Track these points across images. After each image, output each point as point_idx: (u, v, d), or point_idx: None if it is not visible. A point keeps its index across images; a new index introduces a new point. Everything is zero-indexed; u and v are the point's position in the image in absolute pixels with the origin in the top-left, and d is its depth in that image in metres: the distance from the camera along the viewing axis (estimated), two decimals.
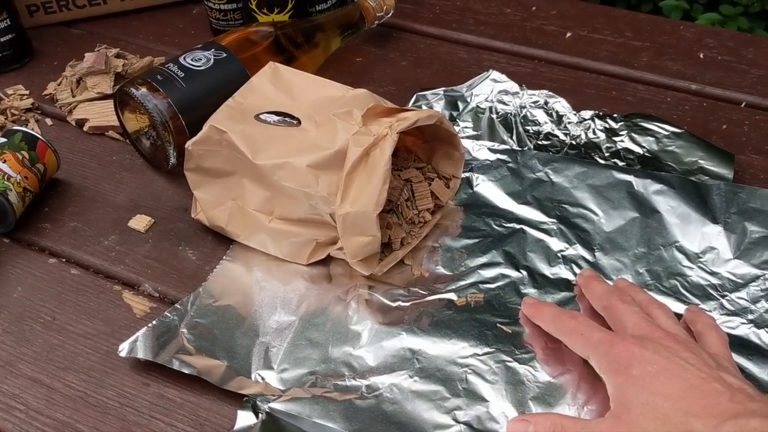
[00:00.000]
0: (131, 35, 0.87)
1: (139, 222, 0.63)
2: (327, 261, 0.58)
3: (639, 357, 0.44)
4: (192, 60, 0.65)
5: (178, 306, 0.55)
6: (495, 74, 0.74)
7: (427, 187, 0.60)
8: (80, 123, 0.73)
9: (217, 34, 0.84)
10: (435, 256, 0.59)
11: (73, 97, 0.75)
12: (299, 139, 0.57)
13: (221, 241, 0.61)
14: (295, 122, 0.58)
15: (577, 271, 0.57)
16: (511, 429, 0.47)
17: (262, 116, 0.59)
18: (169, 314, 0.54)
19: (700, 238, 0.58)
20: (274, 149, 0.56)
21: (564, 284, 0.56)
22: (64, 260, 0.61)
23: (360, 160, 0.53)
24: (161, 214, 0.64)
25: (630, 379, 0.44)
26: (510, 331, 0.53)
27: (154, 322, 0.54)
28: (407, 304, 0.55)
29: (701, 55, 0.80)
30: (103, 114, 0.72)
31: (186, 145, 0.58)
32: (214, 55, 0.66)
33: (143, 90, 0.62)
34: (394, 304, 0.55)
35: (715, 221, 0.59)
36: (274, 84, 0.62)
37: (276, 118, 0.59)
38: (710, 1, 1.30)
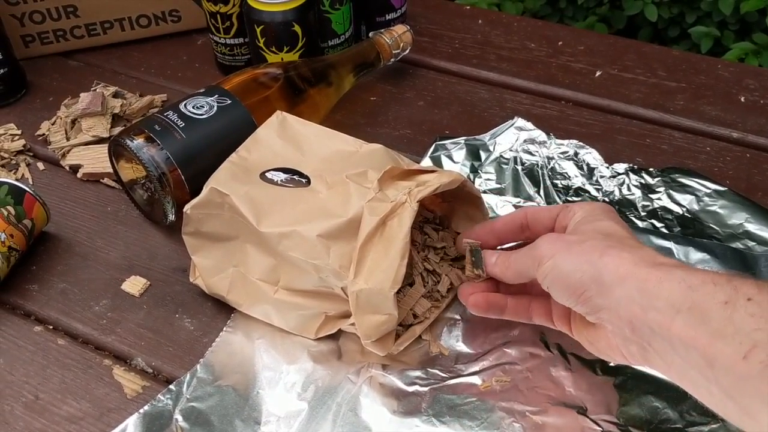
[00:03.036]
0: (132, 68, 0.82)
1: (134, 285, 0.58)
2: (337, 334, 0.53)
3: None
4: (193, 107, 0.60)
5: (173, 387, 0.50)
6: (520, 122, 0.68)
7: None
8: (74, 168, 0.68)
9: (223, 69, 0.79)
10: (455, 330, 0.53)
11: (67, 140, 0.69)
12: (308, 203, 0.52)
13: (221, 308, 0.56)
14: (303, 181, 0.53)
15: None
16: None
17: (268, 174, 0.54)
18: (162, 397, 0.49)
19: None
20: (281, 214, 0.51)
21: (601, 367, 0.50)
22: (51, 327, 0.56)
23: (376, 230, 0.48)
24: (157, 276, 0.59)
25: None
26: (540, 422, 0.47)
27: (146, 407, 0.49)
28: (425, 389, 0.50)
29: (742, 99, 0.74)
30: (98, 160, 0.67)
31: (184, 209, 0.53)
32: (218, 102, 0.61)
33: (139, 141, 0.57)
34: (410, 389, 0.50)
35: None
36: (282, 136, 0.57)
37: (283, 176, 0.54)
38: (742, 27, 1.25)
